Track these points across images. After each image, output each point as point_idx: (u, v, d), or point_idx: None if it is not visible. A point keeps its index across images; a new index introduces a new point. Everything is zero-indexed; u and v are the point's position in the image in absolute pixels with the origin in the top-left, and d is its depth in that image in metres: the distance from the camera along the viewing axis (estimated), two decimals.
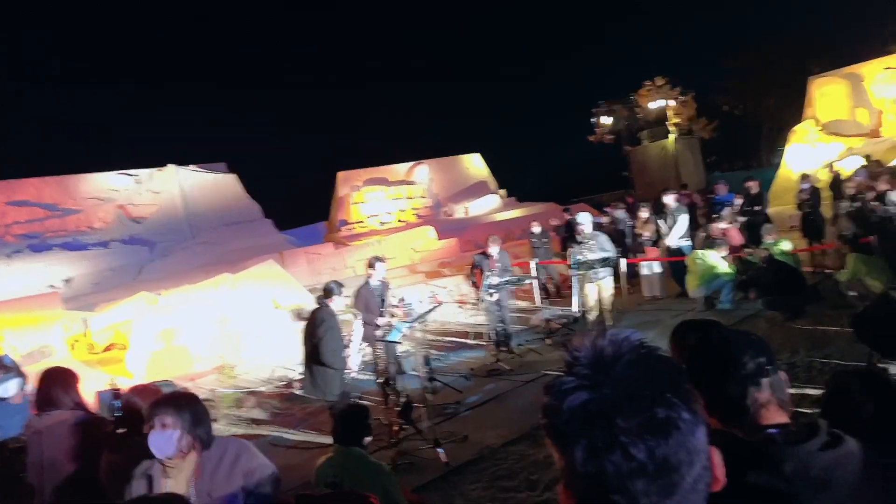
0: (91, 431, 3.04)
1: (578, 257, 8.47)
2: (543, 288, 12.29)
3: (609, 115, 33.68)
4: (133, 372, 9.11)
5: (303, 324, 6.65)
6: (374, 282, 7.31)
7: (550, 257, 12.97)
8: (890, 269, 7.94)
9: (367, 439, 3.66)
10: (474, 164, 24.15)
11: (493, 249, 8.80)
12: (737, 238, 10.81)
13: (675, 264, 10.79)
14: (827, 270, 10.37)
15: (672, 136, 30.26)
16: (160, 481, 2.46)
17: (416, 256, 17.13)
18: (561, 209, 16.16)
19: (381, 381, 7.19)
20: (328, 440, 5.78)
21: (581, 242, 8.60)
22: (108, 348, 10.94)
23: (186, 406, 2.48)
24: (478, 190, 23.17)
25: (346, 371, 6.18)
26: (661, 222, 11.17)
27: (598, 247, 8.52)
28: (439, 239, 17.70)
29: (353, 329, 6.60)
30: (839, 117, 19.03)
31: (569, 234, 11.26)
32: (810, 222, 11.21)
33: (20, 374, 5.31)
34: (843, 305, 7.90)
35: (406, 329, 6.89)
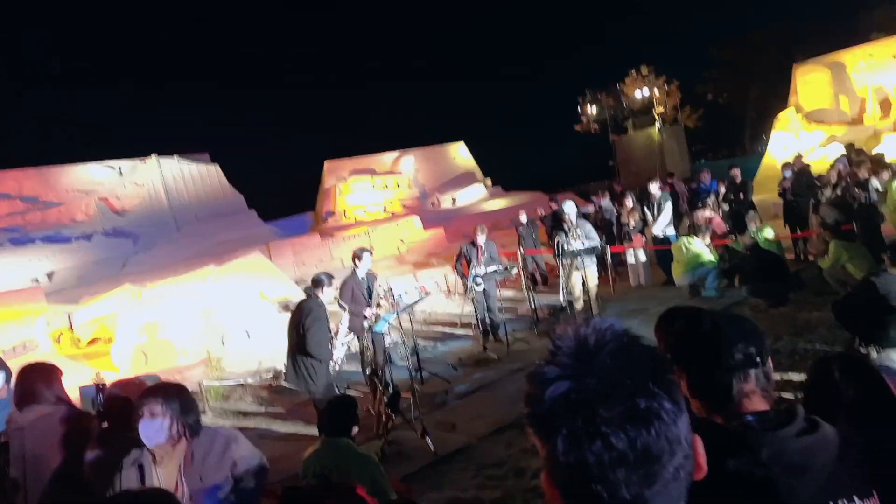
0: (74, 426, 3.01)
1: (564, 246, 8.49)
2: (531, 277, 12.33)
3: (595, 105, 33.76)
4: (118, 366, 9.04)
5: (289, 315, 6.62)
6: (361, 273, 7.29)
7: (537, 246, 13.00)
8: (871, 255, 8.05)
9: (355, 430, 3.66)
10: (460, 154, 24.10)
11: (481, 239, 8.80)
12: (721, 226, 10.90)
13: (661, 252, 10.86)
14: (809, 258, 10.49)
15: (657, 125, 30.40)
16: (151, 469, 2.48)
17: (404, 247, 17.11)
18: (547, 198, 16.18)
19: (368, 371, 7.19)
20: (316, 431, 5.78)
21: (567, 231, 8.62)
22: (92, 342, 10.84)
23: (174, 395, 2.51)
24: (464, 180, 23.14)
25: (331, 363, 6.16)
26: (646, 210, 11.23)
27: (583, 236, 8.55)
28: (426, 229, 17.68)
29: (341, 321, 6.58)
30: (822, 105, 19.20)
31: (555, 224, 11.28)
32: (792, 210, 11.31)
33: (4, 368, 5.24)
34: (825, 292, 8.01)
35: (393, 319, 6.89)
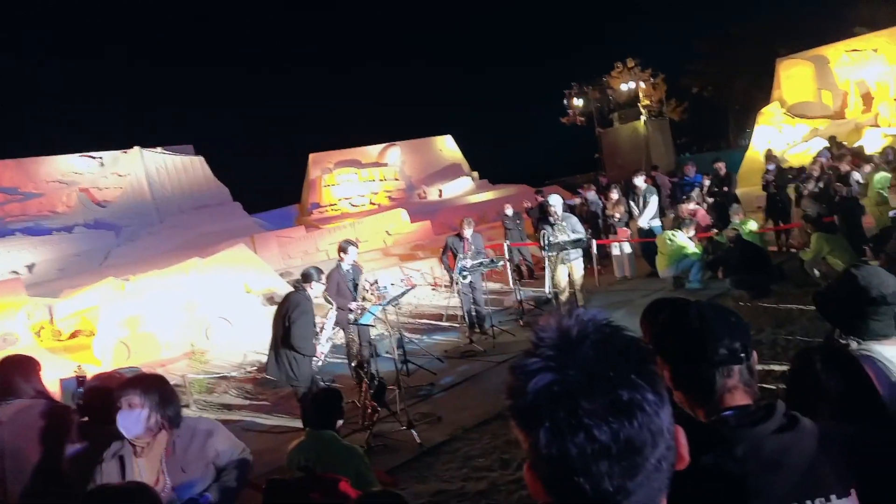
0: (53, 420, 2.97)
1: (550, 239, 8.51)
2: (516, 270, 12.35)
3: (581, 97, 33.80)
4: (100, 359, 8.94)
5: (274, 308, 6.58)
6: (346, 266, 7.25)
7: (523, 239, 13.03)
8: (852, 247, 8.16)
9: (339, 423, 3.65)
10: (447, 146, 24.03)
11: (468, 232, 8.80)
12: (705, 218, 10.99)
13: (646, 245, 10.93)
14: (791, 250, 10.62)
15: (643, 118, 30.52)
16: (132, 461, 2.47)
17: (390, 239, 17.06)
18: (533, 191, 16.20)
19: (354, 364, 7.18)
20: (301, 424, 5.76)
21: (553, 224, 8.64)
22: (73, 335, 10.70)
23: (154, 386, 2.49)
24: (451, 172, 23.09)
25: (314, 358, 6.14)
26: (631, 203, 11.29)
27: (569, 228, 8.58)
28: (412, 221, 17.64)
29: (328, 316, 6.55)
30: (805, 99, 19.36)
31: (541, 217, 11.31)
32: (775, 203, 11.43)
33: None
34: (807, 284, 8.10)
35: (379, 312, 6.87)
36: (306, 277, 6.12)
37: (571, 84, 34.26)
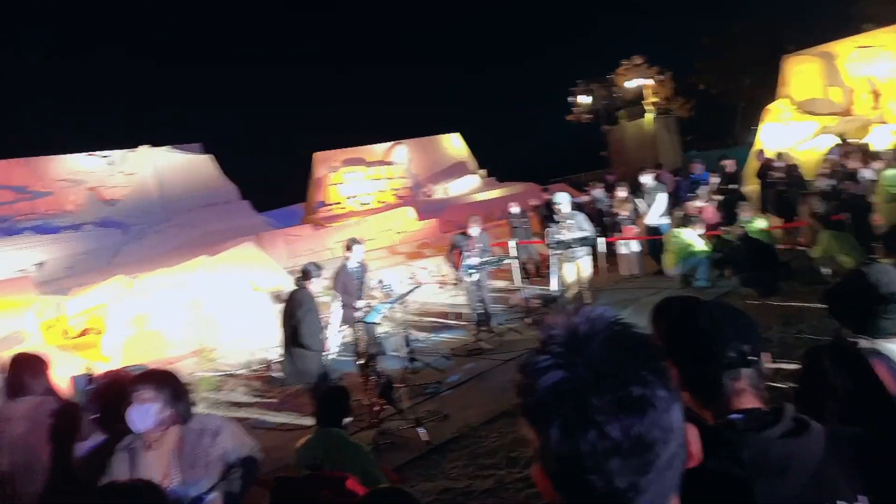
0: (63, 418, 2.99)
1: (557, 237, 8.50)
2: (523, 268, 12.34)
3: (587, 95, 33.70)
4: (109, 356, 9.00)
5: (282, 306, 6.60)
6: (353, 264, 7.26)
7: (529, 237, 13.00)
8: (860, 245, 8.10)
9: (347, 420, 3.66)
10: (453, 144, 24.01)
11: (474, 230, 8.80)
12: (713, 216, 10.93)
13: (653, 242, 10.90)
14: (800, 248, 10.56)
15: (649, 116, 30.39)
16: (142, 455, 2.49)
17: (396, 237, 17.06)
18: (540, 189, 16.16)
19: (361, 362, 7.19)
20: (308, 422, 5.78)
21: (559, 222, 8.62)
22: (83, 333, 10.77)
23: (166, 382, 2.52)
24: (457, 170, 23.07)
25: (325, 353, 6.16)
26: (638, 201, 11.25)
27: (576, 226, 8.56)
28: (419, 220, 17.64)
29: (332, 311, 6.57)
30: (813, 96, 19.21)
31: (548, 214, 11.30)
32: (783, 200, 11.37)
33: None
34: (816, 282, 8.05)
35: (386, 310, 6.88)
36: (305, 274, 6.14)
37: (577, 82, 34.17)
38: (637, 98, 31.96)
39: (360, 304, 7.00)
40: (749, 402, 1.26)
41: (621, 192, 11.96)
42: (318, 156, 21.28)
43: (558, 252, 8.58)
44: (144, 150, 17.58)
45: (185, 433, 2.55)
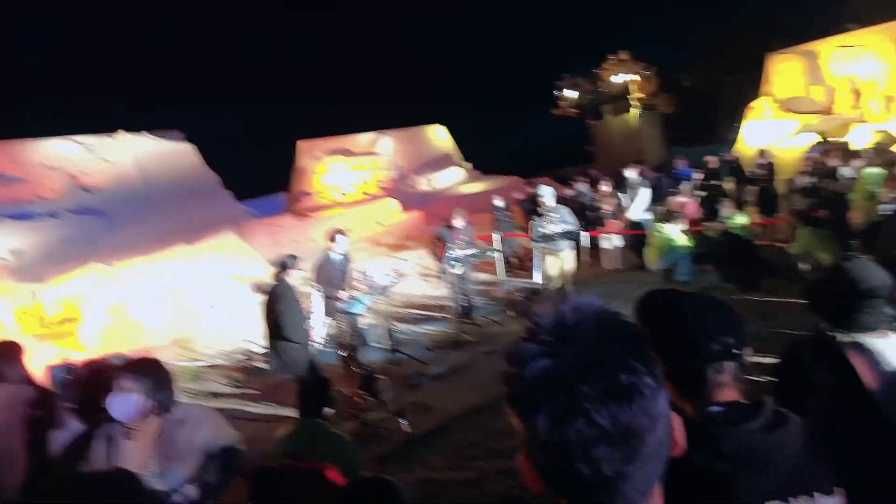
0: (39, 406, 2.94)
1: (541, 230, 8.52)
2: (506, 261, 12.37)
3: (573, 89, 33.75)
4: (86, 345, 8.88)
5: (263, 297, 6.55)
6: (336, 255, 7.22)
7: (513, 230, 13.04)
8: (839, 242, 8.22)
9: (329, 411, 3.64)
10: (438, 136, 23.95)
11: (458, 222, 8.79)
12: (695, 212, 11.03)
13: (635, 237, 10.98)
14: (779, 244, 10.70)
15: (634, 111, 30.54)
16: (121, 444, 2.47)
17: (380, 229, 17.01)
18: (524, 183, 16.19)
19: (343, 353, 7.17)
20: (289, 413, 5.75)
21: (543, 215, 8.64)
22: (59, 322, 10.61)
23: (148, 371, 2.49)
24: (442, 162, 23.03)
25: (311, 343, 6.12)
26: (622, 196, 11.32)
27: (560, 220, 8.59)
28: (403, 211, 17.59)
29: (313, 302, 6.53)
30: (795, 94, 19.44)
31: (532, 208, 11.35)
32: (765, 197, 11.50)
33: None
34: (795, 278, 8.17)
35: (369, 301, 6.86)
36: (283, 267, 6.10)
37: (563, 76, 34.21)
38: (622, 93, 32.09)
39: (343, 295, 6.96)
40: (731, 395, 1.26)
41: (605, 187, 12.02)
42: (302, 145, 21.10)
43: (542, 245, 8.61)
44: (124, 137, 17.30)
45: (166, 423, 2.52)
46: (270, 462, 3.41)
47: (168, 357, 8.29)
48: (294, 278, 6.13)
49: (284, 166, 21.61)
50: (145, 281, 9.65)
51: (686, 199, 11.22)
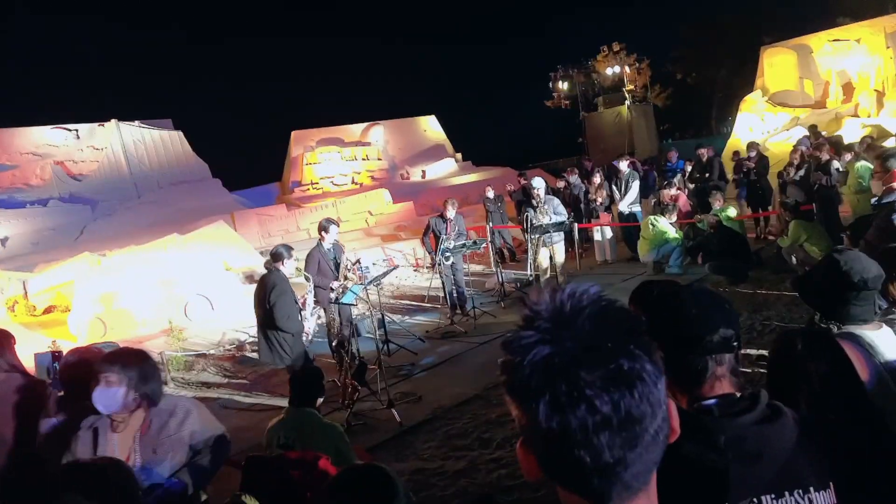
0: (28, 394, 2.91)
1: (533, 221, 8.52)
2: (498, 252, 12.38)
3: (566, 80, 33.71)
4: (75, 334, 8.82)
5: (254, 286, 6.51)
6: (327, 245, 7.19)
7: (505, 222, 13.04)
8: (828, 235, 8.27)
9: (320, 400, 3.63)
10: (430, 127, 23.86)
11: (451, 213, 8.77)
12: (686, 204, 11.07)
13: (627, 229, 11.00)
14: (769, 237, 10.76)
15: (627, 103, 30.56)
16: (107, 435, 2.45)
17: (372, 219, 16.96)
18: (516, 174, 16.18)
19: (335, 343, 7.15)
20: (280, 402, 5.74)
21: (536, 207, 8.64)
22: (48, 310, 10.53)
23: (133, 363, 2.46)
24: (434, 153, 22.96)
25: (303, 334, 6.10)
26: (613, 188, 11.34)
27: (551, 211, 8.60)
28: (395, 202, 17.54)
29: (307, 292, 6.50)
30: (787, 88, 19.49)
31: (524, 199, 11.35)
32: (755, 190, 11.54)
33: None
34: (784, 270, 8.23)
35: (361, 291, 6.84)
36: (276, 256, 6.05)
37: (557, 67, 34.15)
38: (615, 85, 32.09)
39: (335, 284, 6.94)
40: (726, 387, 1.26)
41: (597, 179, 12.04)
42: (295, 134, 21.00)
43: (534, 236, 8.62)
44: (113, 125, 17.13)
45: (152, 416, 2.50)
46: (262, 451, 3.40)
47: (158, 346, 8.26)
48: (287, 269, 6.09)
49: (276, 156, 21.51)
50: (136, 269, 9.58)
51: (678, 192, 11.26)
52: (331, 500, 1.64)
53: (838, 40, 18.53)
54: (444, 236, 8.67)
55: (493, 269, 10.09)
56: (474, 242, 9.15)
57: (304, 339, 6.06)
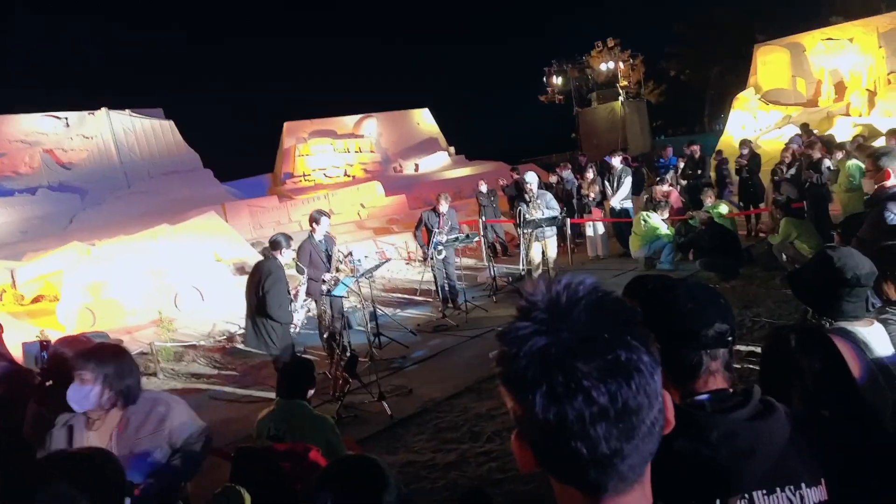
0: (15, 383, 2.89)
1: (526, 216, 8.52)
2: (490, 246, 12.37)
3: (560, 76, 33.66)
4: (64, 324, 8.75)
5: (244, 277, 6.48)
6: (319, 236, 7.16)
7: (497, 216, 13.04)
8: (818, 232, 8.32)
9: (310, 392, 3.61)
10: (424, 120, 23.78)
11: (443, 207, 8.75)
12: (677, 201, 11.10)
13: (618, 225, 11.03)
14: (760, 234, 10.81)
15: (620, 99, 30.56)
16: (82, 432, 2.40)
17: (364, 212, 16.91)
18: (509, 168, 16.18)
19: (326, 335, 7.13)
20: (269, 394, 5.72)
21: (528, 201, 8.64)
22: (36, 300, 10.43)
23: (109, 360, 2.39)
24: (427, 146, 22.90)
25: (292, 326, 6.08)
26: (605, 183, 11.35)
27: (544, 205, 8.60)
28: (387, 195, 17.49)
29: (300, 284, 6.47)
30: (780, 86, 19.57)
31: (517, 193, 11.35)
32: (747, 187, 11.59)
33: None
34: (774, 267, 8.27)
35: (352, 284, 6.82)
36: (275, 245, 6.02)
37: (551, 62, 34.09)
38: (609, 81, 32.08)
39: (326, 276, 6.92)
40: (719, 383, 1.26)
41: (590, 174, 12.05)
42: (287, 126, 20.88)
43: (527, 231, 8.62)
44: (103, 113, 16.96)
45: (129, 414, 2.44)
46: (251, 443, 3.38)
47: (148, 337, 8.21)
48: (286, 258, 6.07)
49: (268, 147, 21.39)
50: (126, 259, 9.51)
51: (670, 188, 11.28)
52: (321, 490, 1.63)
53: (831, 39, 18.62)
54: (437, 230, 8.65)
55: (486, 264, 10.09)
56: (466, 236, 9.14)
57: (291, 330, 6.04)
